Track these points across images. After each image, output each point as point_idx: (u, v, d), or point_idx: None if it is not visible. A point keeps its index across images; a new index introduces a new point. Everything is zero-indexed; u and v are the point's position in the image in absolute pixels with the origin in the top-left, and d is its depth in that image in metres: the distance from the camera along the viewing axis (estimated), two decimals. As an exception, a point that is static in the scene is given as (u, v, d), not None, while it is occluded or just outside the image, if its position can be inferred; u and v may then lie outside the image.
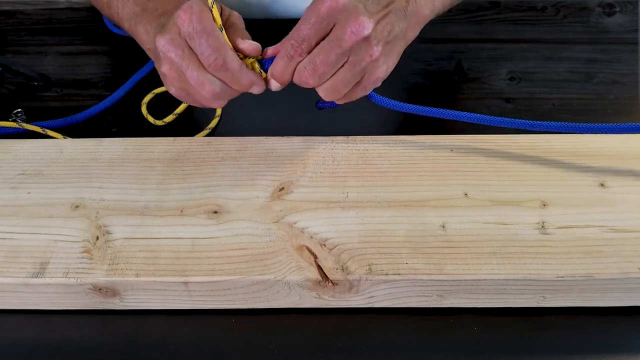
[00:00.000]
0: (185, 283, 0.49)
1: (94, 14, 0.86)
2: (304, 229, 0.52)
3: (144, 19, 0.60)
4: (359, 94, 0.57)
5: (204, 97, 0.55)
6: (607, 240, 0.50)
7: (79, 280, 0.49)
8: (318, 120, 0.69)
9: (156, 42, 0.53)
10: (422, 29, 0.60)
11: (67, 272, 0.49)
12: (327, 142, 0.60)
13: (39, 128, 0.65)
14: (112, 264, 0.49)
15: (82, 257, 0.50)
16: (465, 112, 0.60)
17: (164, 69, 0.55)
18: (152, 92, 0.71)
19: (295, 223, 0.52)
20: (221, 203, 0.54)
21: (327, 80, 0.53)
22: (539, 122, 0.58)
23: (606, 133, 0.58)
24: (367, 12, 0.51)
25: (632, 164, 0.57)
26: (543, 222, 0.52)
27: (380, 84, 0.57)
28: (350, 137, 0.60)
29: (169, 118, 0.69)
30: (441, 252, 0.49)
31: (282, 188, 0.56)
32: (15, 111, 0.70)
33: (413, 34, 0.58)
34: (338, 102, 0.57)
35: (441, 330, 0.51)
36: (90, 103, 0.72)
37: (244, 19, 0.57)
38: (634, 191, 0.54)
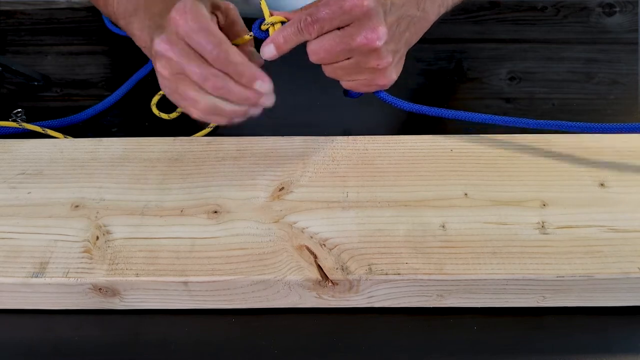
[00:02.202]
0: (185, 283, 0.49)
1: (94, 14, 0.87)
2: (304, 228, 0.52)
3: (138, 17, 0.60)
4: (364, 89, 0.57)
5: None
6: (607, 240, 0.50)
7: (79, 280, 0.49)
8: (318, 120, 0.69)
9: (154, 46, 0.53)
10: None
11: (67, 272, 0.49)
12: (327, 142, 0.60)
13: (39, 128, 0.65)
14: (112, 264, 0.49)
15: (82, 257, 0.50)
16: (467, 112, 0.60)
17: (160, 68, 0.54)
18: (158, 93, 0.71)
19: (295, 223, 0.52)
20: (221, 203, 0.54)
21: (328, 64, 0.54)
22: (553, 121, 0.59)
23: (608, 132, 0.58)
24: (385, 22, 0.52)
25: (632, 164, 0.57)
26: (543, 222, 0.52)
27: (387, 87, 0.57)
28: (350, 137, 0.60)
29: (174, 114, 0.69)
30: (441, 252, 0.49)
31: (282, 188, 0.56)
32: (15, 111, 0.70)
33: (417, 39, 0.59)
34: (344, 86, 0.57)
35: (441, 330, 0.51)
36: (90, 103, 0.72)
37: (244, 18, 0.57)
38: (634, 191, 0.54)
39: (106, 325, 0.51)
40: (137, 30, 0.59)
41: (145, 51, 0.60)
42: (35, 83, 0.76)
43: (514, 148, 0.59)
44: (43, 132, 0.65)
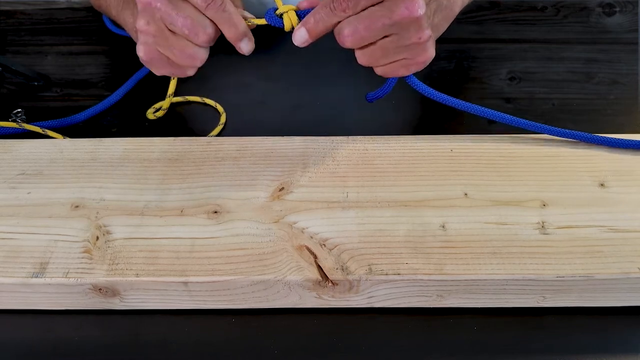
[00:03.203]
0: (185, 283, 0.49)
1: (94, 14, 0.87)
2: (304, 229, 0.52)
3: (130, 4, 0.58)
4: (401, 72, 0.55)
5: (186, 52, 0.52)
6: (607, 240, 0.50)
7: (79, 280, 0.49)
8: (318, 120, 0.69)
9: (137, 1, 0.51)
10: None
11: (67, 272, 0.49)
12: (327, 142, 0.60)
13: (39, 128, 0.65)
14: (112, 264, 0.49)
15: (82, 257, 0.50)
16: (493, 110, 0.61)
17: (141, 24, 0.52)
18: (153, 106, 0.71)
19: (295, 223, 0.52)
20: (221, 203, 0.54)
21: (367, 46, 0.52)
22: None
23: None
24: None
25: (632, 164, 0.57)
26: (543, 222, 0.52)
27: (424, 67, 0.55)
28: (350, 137, 0.60)
29: (159, 113, 0.69)
30: (441, 252, 0.49)
31: (282, 188, 0.56)
32: (15, 111, 0.70)
33: (444, 28, 0.58)
34: (378, 72, 0.55)
35: (441, 330, 0.51)
36: (90, 103, 0.72)
37: (246, 18, 0.57)
38: (634, 191, 0.54)
39: (106, 326, 0.51)
40: (129, 17, 0.58)
41: (134, 35, 0.58)
42: (35, 83, 0.76)
43: (514, 148, 0.59)
44: (43, 132, 0.65)
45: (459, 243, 0.50)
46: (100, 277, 0.49)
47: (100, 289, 0.49)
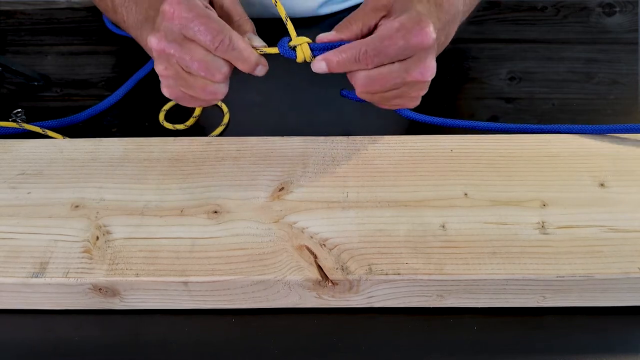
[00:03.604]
0: (185, 283, 0.49)
1: (94, 14, 0.87)
2: (304, 228, 0.52)
3: (147, 26, 0.59)
4: (388, 108, 0.58)
5: (207, 90, 0.53)
6: (607, 240, 0.50)
7: (79, 280, 0.49)
8: (318, 120, 0.69)
9: (148, 43, 0.52)
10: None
11: (67, 272, 0.49)
12: (327, 142, 0.60)
13: (38, 128, 0.65)
14: (112, 264, 0.49)
15: (82, 257, 0.50)
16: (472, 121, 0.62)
17: (160, 69, 0.54)
18: (163, 109, 0.71)
19: (295, 223, 0.52)
20: (221, 203, 0.54)
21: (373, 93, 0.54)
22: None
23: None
24: (436, 50, 0.52)
25: (632, 164, 0.57)
26: (543, 222, 0.52)
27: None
28: (350, 137, 0.60)
29: (190, 121, 0.69)
30: (441, 252, 0.49)
31: (282, 188, 0.56)
32: (15, 111, 0.70)
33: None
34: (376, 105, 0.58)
35: (441, 330, 0.51)
36: (90, 103, 0.72)
37: (256, 48, 0.57)
38: (634, 191, 0.54)
39: (106, 326, 0.51)
40: (146, 38, 0.58)
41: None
42: (35, 83, 0.76)
43: (514, 148, 0.59)
44: (43, 132, 0.65)
45: (459, 243, 0.50)
46: (100, 277, 0.49)
47: (100, 289, 0.49)
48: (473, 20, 0.84)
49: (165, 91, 0.56)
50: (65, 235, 0.52)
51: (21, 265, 0.50)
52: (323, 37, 0.53)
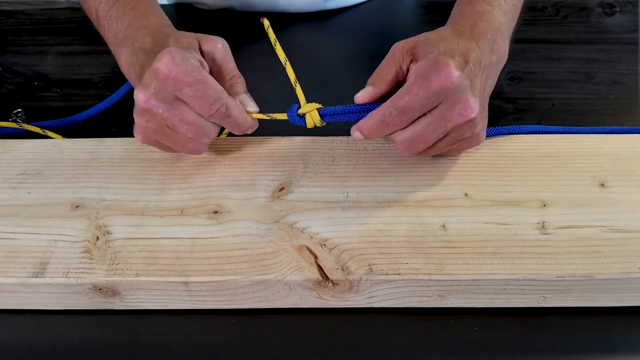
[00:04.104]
0: (186, 283, 0.49)
1: (93, 14, 0.87)
2: (304, 229, 0.52)
3: (125, 48, 0.57)
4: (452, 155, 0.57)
5: (188, 147, 0.54)
6: (607, 240, 0.50)
7: (79, 280, 0.49)
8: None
9: (136, 98, 0.51)
10: (424, 29, 0.60)
11: (67, 272, 0.49)
12: (327, 142, 0.60)
13: (39, 129, 0.65)
14: (112, 264, 0.49)
15: (82, 257, 0.50)
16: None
17: (140, 121, 0.52)
18: None
19: (295, 223, 0.52)
20: (221, 203, 0.54)
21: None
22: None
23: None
24: (473, 88, 0.49)
25: (632, 164, 0.57)
26: (543, 222, 0.52)
27: None
28: (351, 137, 0.60)
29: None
30: (441, 252, 0.49)
31: (282, 188, 0.56)
32: (15, 111, 0.70)
33: (495, 81, 0.56)
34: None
35: (441, 331, 0.51)
36: (90, 103, 0.72)
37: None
38: (634, 191, 0.54)
39: (106, 326, 0.51)
40: (124, 64, 0.57)
41: (127, 76, 0.58)
42: (36, 83, 0.76)
43: (514, 148, 0.59)
44: (43, 133, 0.65)
45: (459, 243, 0.50)
46: (100, 277, 0.49)
47: (100, 289, 0.49)
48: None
49: (139, 137, 0.54)
50: (65, 235, 0.52)
51: (21, 265, 0.50)
52: (361, 97, 0.52)
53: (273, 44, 0.54)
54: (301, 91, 0.54)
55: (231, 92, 0.53)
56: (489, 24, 0.54)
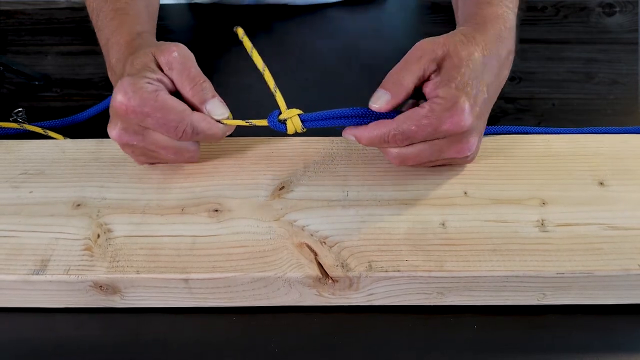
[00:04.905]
0: (186, 280, 0.49)
1: (94, 14, 0.87)
2: (304, 227, 0.52)
3: (106, 60, 0.58)
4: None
5: (179, 160, 0.55)
6: (606, 238, 0.50)
7: (79, 277, 0.49)
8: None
9: (109, 133, 0.52)
10: (424, 29, 0.60)
11: (68, 269, 0.49)
12: (327, 142, 0.60)
13: (40, 129, 0.65)
14: (113, 261, 0.49)
15: (83, 255, 0.50)
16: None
17: (127, 151, 0.55)
18: None
19: (295, 221, 0.52)
20: (222, 202, 0.54)
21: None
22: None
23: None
24: (478, 129, 0.51)
25: (631, 163, 0.57)
26: (543, 220, 0.52)
27: None
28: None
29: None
30: (441, 249, 0.50)
31: (283, 187, 0.56)
32: (16, 110, 0.70)
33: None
34: None
35: (441, 329, 0.51)
36: (90, 103, 0.72)
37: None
38: (633, 189, 0.54)
39: (107, 324, 0.51)
40: (112, 61, 0.58)
41: (111, 78, 0.59)
42: (36, 83, 0.76)
43: (514, 147, 0.59)
44: (44, 133, 0.65)
45: (459, 240, 0.50)
46: (101, 274, 0.49)
47: (101, 286, 0.49)
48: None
49: (133, 159, 0.57)
50: (66, 233, 0.52)
51: (22, 263, 0.50)
52: (378, 107, 0.51)
53: (250, 52, 0.53)
54: (281, 97, 0.54)
55: (198, 101, 0.52)
56: (510, 39, 0.54)
